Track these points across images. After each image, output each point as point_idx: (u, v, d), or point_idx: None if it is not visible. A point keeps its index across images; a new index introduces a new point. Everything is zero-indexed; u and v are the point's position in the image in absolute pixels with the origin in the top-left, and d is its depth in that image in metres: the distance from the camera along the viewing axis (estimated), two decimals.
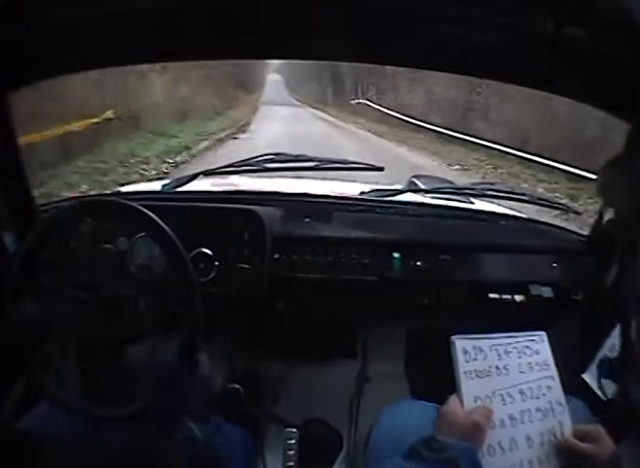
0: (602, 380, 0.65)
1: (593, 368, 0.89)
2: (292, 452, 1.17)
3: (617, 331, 0.85)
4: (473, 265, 1.18)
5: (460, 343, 0.72)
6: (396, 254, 1.16)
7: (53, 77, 0.96)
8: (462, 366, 0.71)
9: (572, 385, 0.91)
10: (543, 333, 0.77)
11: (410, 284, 1.17)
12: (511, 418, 0.70)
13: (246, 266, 1.13)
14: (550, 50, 0.73)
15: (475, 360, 0.72)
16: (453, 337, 0.72)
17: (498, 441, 0.67)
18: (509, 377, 0.72)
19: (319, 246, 1.16)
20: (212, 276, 1.11)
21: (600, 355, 0.91)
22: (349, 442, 1.29)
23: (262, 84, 34.43)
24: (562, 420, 0.71)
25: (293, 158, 1.29)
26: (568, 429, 0.71)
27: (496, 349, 0.73)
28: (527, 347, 0.75)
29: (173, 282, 0.88)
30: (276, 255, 1.15)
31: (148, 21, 0.78)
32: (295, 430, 1.19)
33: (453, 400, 0.71)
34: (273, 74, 43.13)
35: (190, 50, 0.97)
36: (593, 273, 1.09)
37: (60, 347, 0.97)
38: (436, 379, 0.70)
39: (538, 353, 0.75)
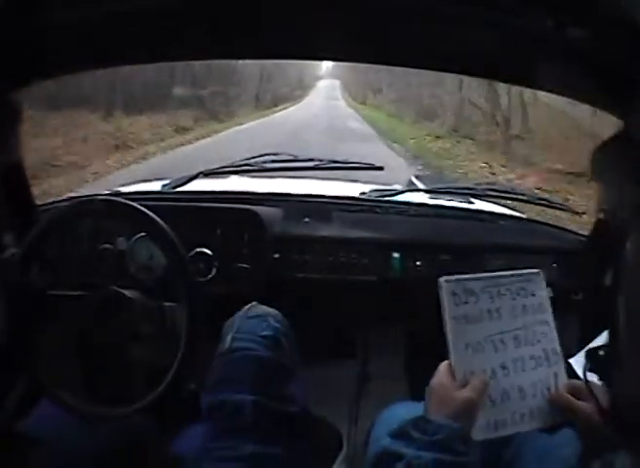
0: (587, 373, 0.62)
1: (580, 354, 0.88)
2: None
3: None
4: (473, 265, 1.18)
5: (449, 285, 0.65)
6: (396, 255, 1.16)
7: (53, 77, 0.96)
8: (451, 310, 0.64)
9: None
10: (540, 272, 0.71)
11: (410, 284, 1.17)
12: (503, 367, 0.64)
13: (246, 266, 1.13)
14: (550, 50, 0.73)
15: (466, 303, 0.65)
16: (440, 279, 0.66)
17: (487, 392, 0.62)
18: (502, 322, 0.65)
19: (319, 246, 1.17)
20: (211, 276, 1.11)
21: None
22: (349, 442, 1.29)
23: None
24: (557, 371, 0.66)
25: (292, 158, 1.29)
26: (562, 381, 0.66)
27: (488, 291, 0.66)
28: (522, 288, 0.68)
29: (172, 282, 0.88)
30: (276, 255, 1.15)
31: (148, 21, 0.78)
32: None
33: (443, 371, 0.64)
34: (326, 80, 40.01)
35: (190, 50, 0.97)
36: (593, 273, 1.09)
37: (60, 347, 0.97)
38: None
39: (533, 294, 0.69)
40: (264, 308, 0.94)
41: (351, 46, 0.90)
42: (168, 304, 0.88)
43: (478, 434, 0.60)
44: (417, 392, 1.41)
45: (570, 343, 1.08)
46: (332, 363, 1.48)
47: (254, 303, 0.94)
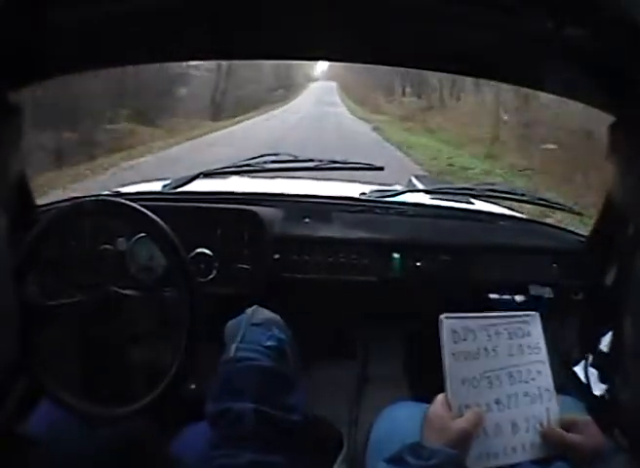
0: (588, 369, 0.63)
1: (584, 362, 0.88)
2: None
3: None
4: (473, 266, 1.18)
5: (449, 323, 0.68)
6: (396, 255, 1.16)
7: (53, 77, 0.96)
8: (450, 347, 0.67)
9: (570, 384, 0.91)
10: (536, 314, 0.73)
11: (410, 284, 1.17)
12: (497, 402, 0.67)
13: (246, 266, 1.13)
14: (550, 50, 0.73)
15: (464, 340, 0.68)
16: (441, 316, 0.68)
17: (482, 425, 0.64)
18: (498, 359, 0.68)
19: (319, 246, 1.17)
20: (212, 276, 1.11)
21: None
22: (349, 442, 1.29)
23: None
24: (550, 407, 0.69)
25: (292, 158, 1.29)
26: (555, 417, 0.68)
27: (486, 329, 0.69)
28: (519, 328, 0.71)
29: (172, 282, 0.88)
30: (276, 256, 1.15)
31: (148, 21, 0.78)
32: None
33: (439, 402, 0.66)
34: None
35: (190, 50, 0.97)
36: (593, 273, 1.09)
37: (60, 347, 0.97)
38: (436, 380, 0.69)
39: (529, 335, 0.71)
40: (268, 314, 0.93)
41: (351, 46, 0.90)
42: (168, 305, 0.88)
43: (472, 464, 0.62)
44: (416, 392, 1.41)
45: (570, 343, 1.08)
46: (332, 363, 1.48)
47: (256, 307, 0.94)
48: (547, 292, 1.15)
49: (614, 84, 0.73)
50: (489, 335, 0.69)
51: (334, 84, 33.84)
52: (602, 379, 0.63)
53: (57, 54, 0.86)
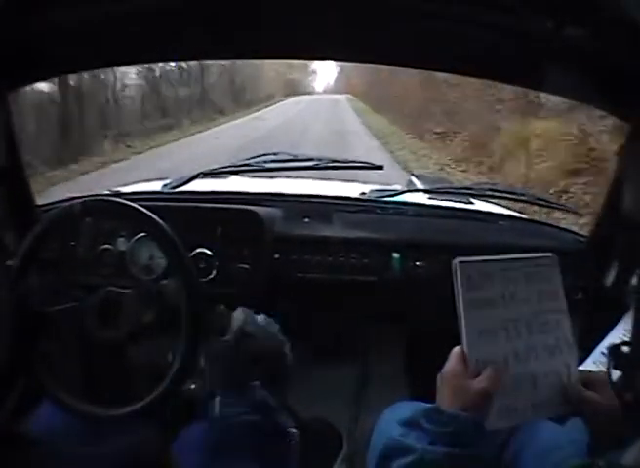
0: (611, 371, 0.61)
1: (588, 362, 0.88)
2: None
3: (615, 330, 0.85)
4: None
5: (464, 267, 0.62)
6: (396, 255, 1.16)
7: (53, 77, 0.96)
8: (466, 294, 0.61)
9: None
10: (554, 256, 0.68)
11: (410, 284, 1.17)
12: (516, 355, 0.62)
13: (246, 266, 1.13)
14: (550, 50, 0.73)
15: (481, 287, 0.62)
16: (455, 261, 0.63)
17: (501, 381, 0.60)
18: (516, 307, 0.63)
19: (319, 246, 1.16)
20: (212, 276, 1.11)
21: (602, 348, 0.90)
22: (349, 442, 1.29)
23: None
24: (569, 362, 0.64)
25: (292, 157, 1.29)
26: (575, 372, 0.64)
27: (502, 273, 0.64)
28: (537, 272, 0.66)
29: (173, 282, 0.87)
30: (276, 256, 1.15)
31: (148, 21, 0.78)
32: (294, 430, 1.19)
33: (455, 358, 0.61)
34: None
35: (190, 50, 0.98)
36: (593, 273, 1.09)
37: (61, 347, 0.97)
38: (436, 380, 0.69)
39: (548, 280, 0.66)
40: (259, 323, 0.91)
41: (351, 46, 0.90)
42: (168, 305, 0.88)
43: (490, 424, 0.59)
44: (416, 392, 1.41)
45: None
46: (332, 363, 1.48)
47: (247, 314, 0.91)
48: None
49: (614, 84, 0.73)
50: (506, 279, 0.64)
51: (342, 97, 24.60)
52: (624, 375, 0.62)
53: (57, 54, 0.86)
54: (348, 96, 25.05)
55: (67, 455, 0.73)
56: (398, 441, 0.58)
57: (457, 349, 0.61)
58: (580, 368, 0.84)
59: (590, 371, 0.66)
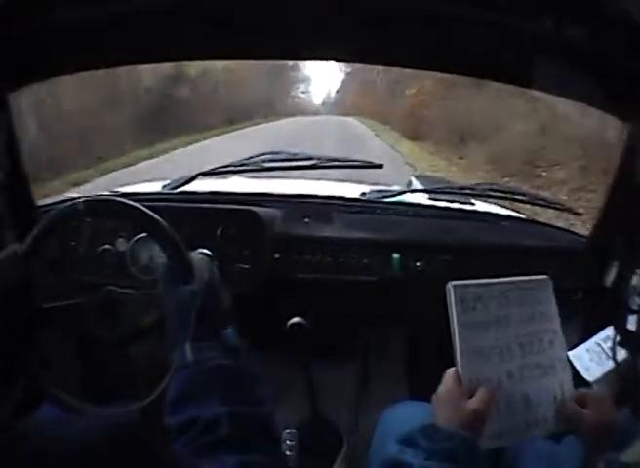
0: (616, 348, 0.61)
1: (580, 348, 0.88)
2: (290, 454, 1.17)
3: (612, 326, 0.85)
4: (473, 266, 1.18)
5: (457, 291, 0.63)
6: (396, 255, 1.16)
7: (53, 77, 0.96)
8: (460, 316, 0.62)
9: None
10: (547, 279, 0.69)
11: (410, 284, 1.17)
12: (509, 375, 0.63)
13: (246, 266, 1.13)
14: (550, 50, 0.73)
15: (474, 309, 0.63)
16: (449, 284, 0.63)
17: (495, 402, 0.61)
18: (509, 329, 0.64)
19: (319, 246, 1.16)
20: None
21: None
22: (349, 442, 1.29)
23: None
24: (563, 379, 0.65)
25: (292, 156, 1.29)
26: (569, 390, 0.65)
27: (496, 296, 0.64)
28: (530, 295, 0.67)
29: (173, 282, 0.87)
30: (276, 256, 1.15)
31: (148, 21, 0.78)
32: (294, 431, 1.19)
33: (450, 378, 0.62)
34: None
35: (190, 50, 0.98)
36: (593, 273, 1.09)
37: (61, 347, 0.97)
38: (437, 380, 0.69)
39: (540, 302, 0.67)
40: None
41: (351, 46, 0.90)
42: (168, 305, 0.88)
43: (484, 443, 0.60)
44: (417, 392, 1.41)
45: (570, 344, 1.08)
46: (332, 363, 1.48)
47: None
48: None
49: (614, 84, 0.73)
50: (499, 303, 0.64)
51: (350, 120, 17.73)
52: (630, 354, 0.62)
53: (57, 54, 0.86)
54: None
55: (67, 455, 0.73)
56: (395, 458, 0.59)
57: (451, 370, 0.63)
58: (573, 352, 0.83)
59: (585, 391, 0.67)
